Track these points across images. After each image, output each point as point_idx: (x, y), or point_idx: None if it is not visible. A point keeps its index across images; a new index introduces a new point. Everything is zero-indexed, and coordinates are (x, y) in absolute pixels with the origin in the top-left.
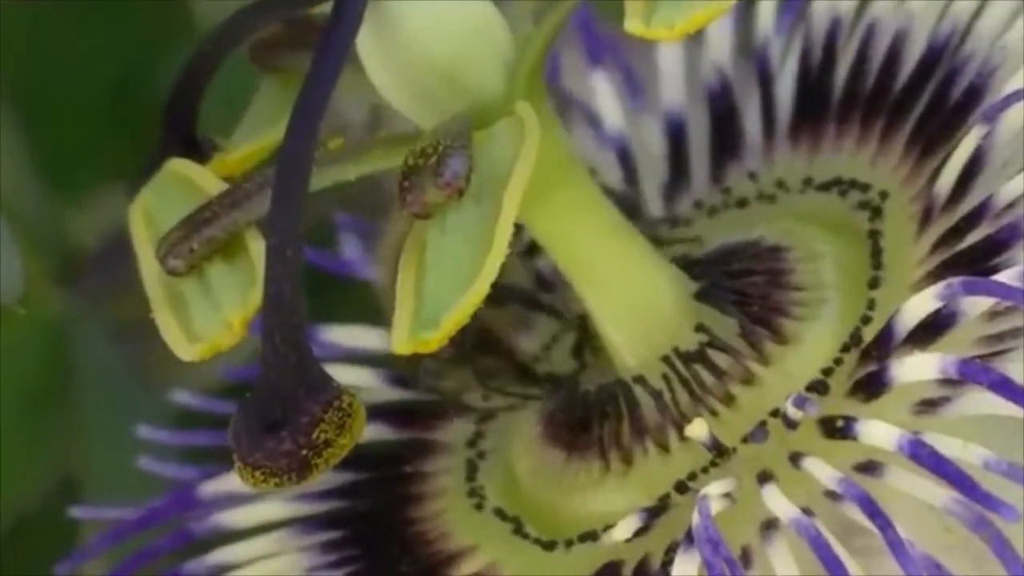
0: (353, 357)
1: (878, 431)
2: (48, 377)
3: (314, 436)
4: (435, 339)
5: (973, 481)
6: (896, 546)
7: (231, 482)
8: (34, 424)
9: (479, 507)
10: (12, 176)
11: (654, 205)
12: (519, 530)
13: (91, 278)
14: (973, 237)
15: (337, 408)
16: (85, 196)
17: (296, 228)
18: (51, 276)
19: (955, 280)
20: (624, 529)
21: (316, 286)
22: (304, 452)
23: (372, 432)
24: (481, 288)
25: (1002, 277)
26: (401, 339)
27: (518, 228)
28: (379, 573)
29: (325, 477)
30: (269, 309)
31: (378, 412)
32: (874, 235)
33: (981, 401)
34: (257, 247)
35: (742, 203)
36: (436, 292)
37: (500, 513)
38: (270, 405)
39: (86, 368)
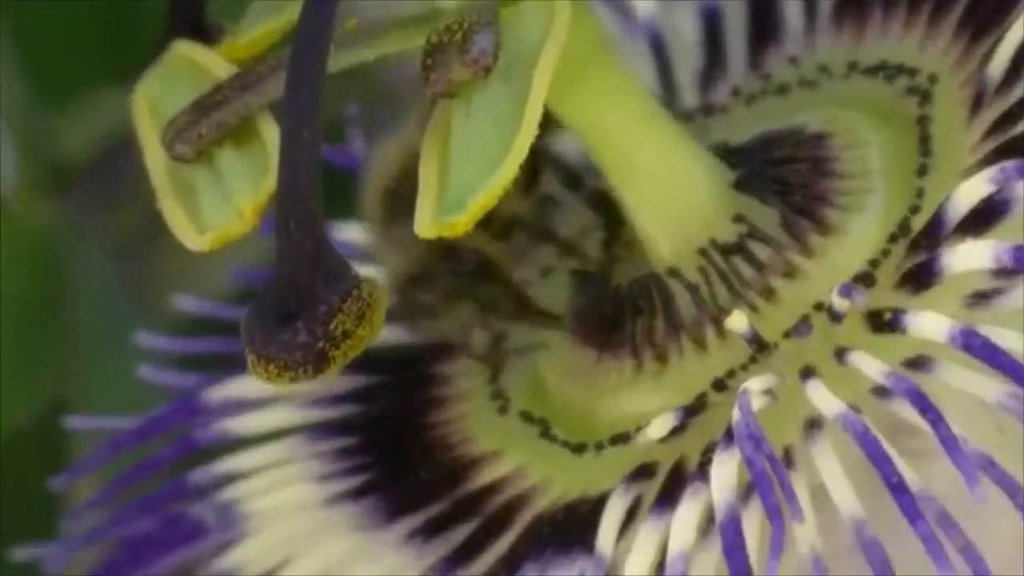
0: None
1: (928, 323)
2: (41, 292)
3: (331, 327)
4: (461, 222)
5: None
6: (949, 442)
7: (239, 387)
8: (27, 341)
9: (503, 410)
10: (2, 84)
11: (689, 94)
12: (546, 433)
13: (84, 189)
14: None
15: (356, 298)
16: (77, 104)
17: (313, 111)
18: (43, 187)
19: (1008, 164)
20: (658, 428)
21: (329, 183)
22: (321, 344)
23: (389, 333)
24: (509, 170)
25: None
26: (425, 222)
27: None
28: (397, 480)
29: (339, 380)
30: (284, 195)
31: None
32: (923, 121)
33: None
34: (270, 132)
35: (782, 89)
36: (462, 174)
37: (526, 416)
38: (285, 295)
39: (80, 282)
